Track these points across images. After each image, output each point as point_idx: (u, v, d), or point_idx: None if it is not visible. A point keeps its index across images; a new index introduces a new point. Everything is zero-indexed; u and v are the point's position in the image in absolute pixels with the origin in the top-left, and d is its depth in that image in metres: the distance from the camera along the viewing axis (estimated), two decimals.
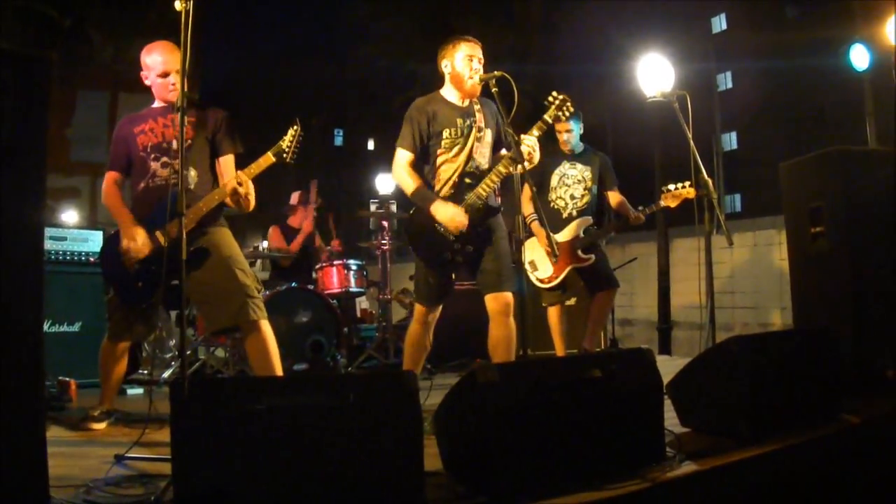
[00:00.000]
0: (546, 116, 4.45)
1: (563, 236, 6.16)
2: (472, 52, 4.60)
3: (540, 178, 6.22)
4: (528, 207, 6.00)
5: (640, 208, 6.17)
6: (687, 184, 5.70)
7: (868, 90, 9.72)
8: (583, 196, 6.28)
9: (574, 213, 6.25)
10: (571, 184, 6.31)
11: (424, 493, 2.67)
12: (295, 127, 4.24)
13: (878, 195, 4.81)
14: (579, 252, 6.12)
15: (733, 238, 5.19)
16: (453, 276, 4.69)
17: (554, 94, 4.49)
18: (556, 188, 6.33)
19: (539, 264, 6.29)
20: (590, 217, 6.25)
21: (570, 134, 6.33)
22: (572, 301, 6.91)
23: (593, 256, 6.14)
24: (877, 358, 4.56)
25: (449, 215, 4.40)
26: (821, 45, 23.73)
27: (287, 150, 4.22)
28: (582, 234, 6.17)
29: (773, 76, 31.61)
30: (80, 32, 16.67)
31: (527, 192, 5.98)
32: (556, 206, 6.30)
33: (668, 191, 5.90)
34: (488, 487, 2.79)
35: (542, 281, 6.28)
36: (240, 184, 4.14)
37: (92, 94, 20.42)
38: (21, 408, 2.48)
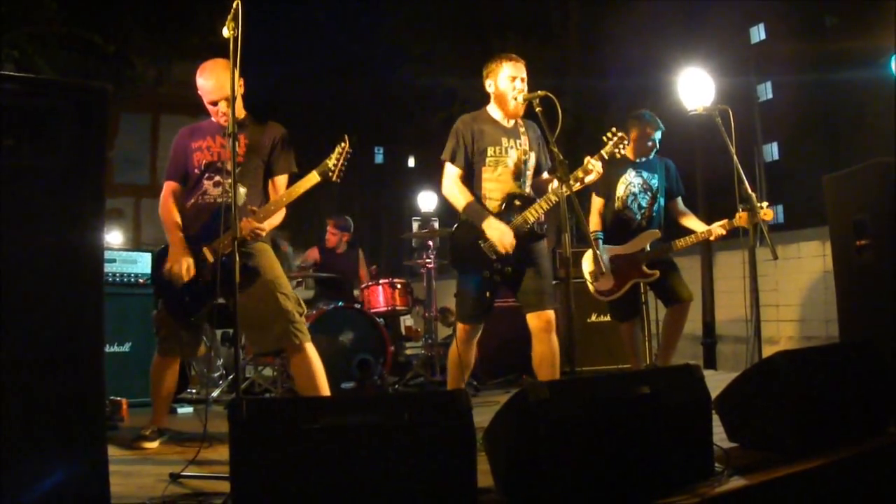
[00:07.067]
0: (603, 152, 4.50)
1: (629, 249, 5.99)
2: (515, 71, 4.66)
3: (606, 188, 6.01)
4: (594, 222, 6.04)
5: (717, 224, 5.67)
6: (765, 205, 5.19)
7: None
8: (650, 205, 6.07)
9: (644, 223, 6.05)
10: (638, 192, 6.06)
11: None
12: (342, 144, 4.11)
13: None
14: (644, 267, 5.92)
15: (777, 250, 5.15)
16: (492, 294, 4.67)
17: (613, 130, 4.54)
18: (622, 197, 6.05)
19: (599, 276, 6.01)
20: (657, 230, 6.04)
21: (654, 143, 6.09)
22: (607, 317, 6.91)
23: (657, 272, 5.91)
24: None
25: (500, 234, 4.45)
26: (861, 53, 23.52)
27: (333, 168, 4.10)
28: (648, 248, 5.96)
29: (813, 86, 31.29)
30: (124, 57, 16.95)
31: (595, 204, 6.11)
32: (624, 217, 6.07)
33: (745, 209, 5.29)
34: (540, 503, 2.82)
35: (600, 293, 6.09)
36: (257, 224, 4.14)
37: (134, 117, 20.81)
38: (86, 429, 2.56)
